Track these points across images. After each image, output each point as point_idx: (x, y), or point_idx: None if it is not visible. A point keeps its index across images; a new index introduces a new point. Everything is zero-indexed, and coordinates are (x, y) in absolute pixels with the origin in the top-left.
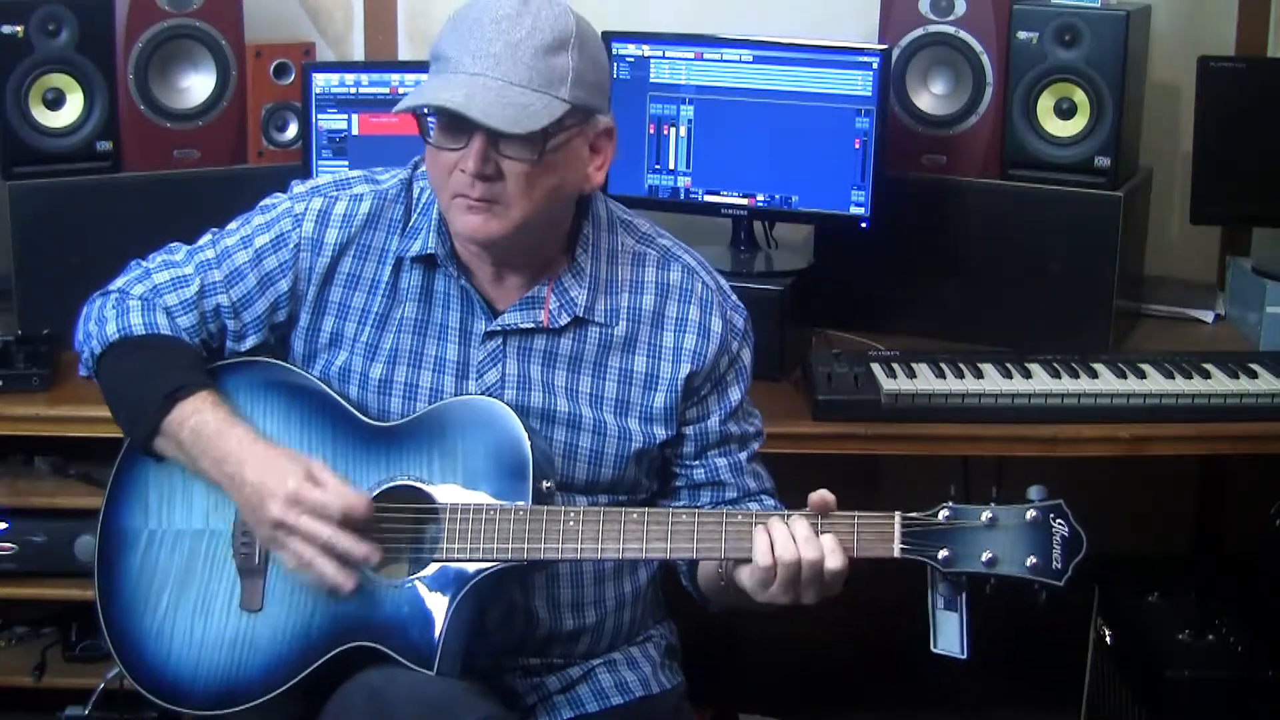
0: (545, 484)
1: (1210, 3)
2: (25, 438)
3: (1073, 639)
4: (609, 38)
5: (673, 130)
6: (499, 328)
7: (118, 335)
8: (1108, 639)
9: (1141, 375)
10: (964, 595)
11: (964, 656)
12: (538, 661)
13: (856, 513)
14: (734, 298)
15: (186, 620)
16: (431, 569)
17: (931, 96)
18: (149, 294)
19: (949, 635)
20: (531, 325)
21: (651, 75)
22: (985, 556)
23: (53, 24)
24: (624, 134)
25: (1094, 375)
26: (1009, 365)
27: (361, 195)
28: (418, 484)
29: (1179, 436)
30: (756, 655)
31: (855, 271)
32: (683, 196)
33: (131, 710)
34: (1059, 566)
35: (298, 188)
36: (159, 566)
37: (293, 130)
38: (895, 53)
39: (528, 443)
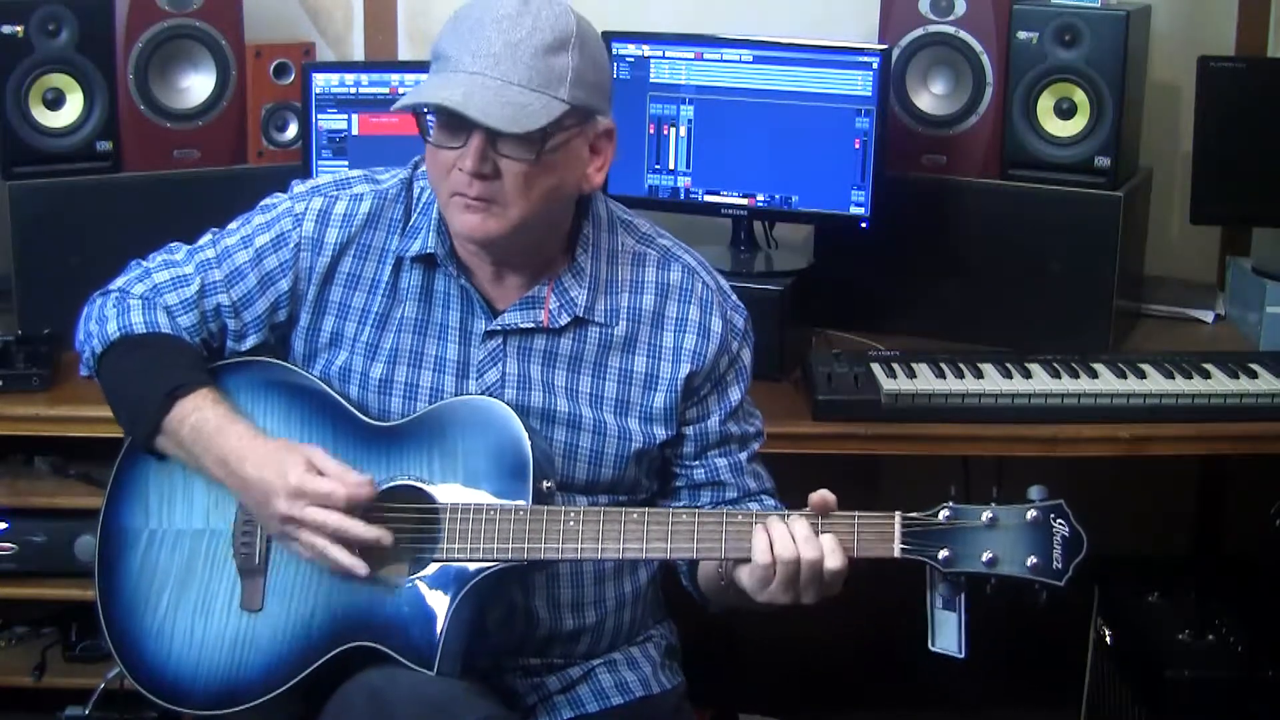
0: (545, 484)
1: (1210, 3)
2: (25, 438)
3: (1073, 639)
4: (609, 38)
5: (673, 130)
6: (499, 327)
7: (118, 334)
8: (1108, 639)
9: (1141, 375)
10: (963, 595)
11: (961, 656)
12: (538, 661)
13: (856, 513)
14: (734, 298)
15: (187, 620)
16: (432, 569)
17: (931, 96)
18: (149, 293)
19: (947, 634)
20: (531, 325)
21: (651, 75)
22: (986, 556)
23: (53, 24)
24: (624, 134)
25: (1094, 375)
26: (1009, 365)
27: (362, 195)
28: (418, 484)
29: (1179, 436)
30: (756, 655)
31: (855, 271)
32: (683, 196)
33: (131, 710)
34: (1059, 567)
35: (298, 187)
36: (159, 566)
37: (293, 130)
38: (895, 53)
39: (528, 443)
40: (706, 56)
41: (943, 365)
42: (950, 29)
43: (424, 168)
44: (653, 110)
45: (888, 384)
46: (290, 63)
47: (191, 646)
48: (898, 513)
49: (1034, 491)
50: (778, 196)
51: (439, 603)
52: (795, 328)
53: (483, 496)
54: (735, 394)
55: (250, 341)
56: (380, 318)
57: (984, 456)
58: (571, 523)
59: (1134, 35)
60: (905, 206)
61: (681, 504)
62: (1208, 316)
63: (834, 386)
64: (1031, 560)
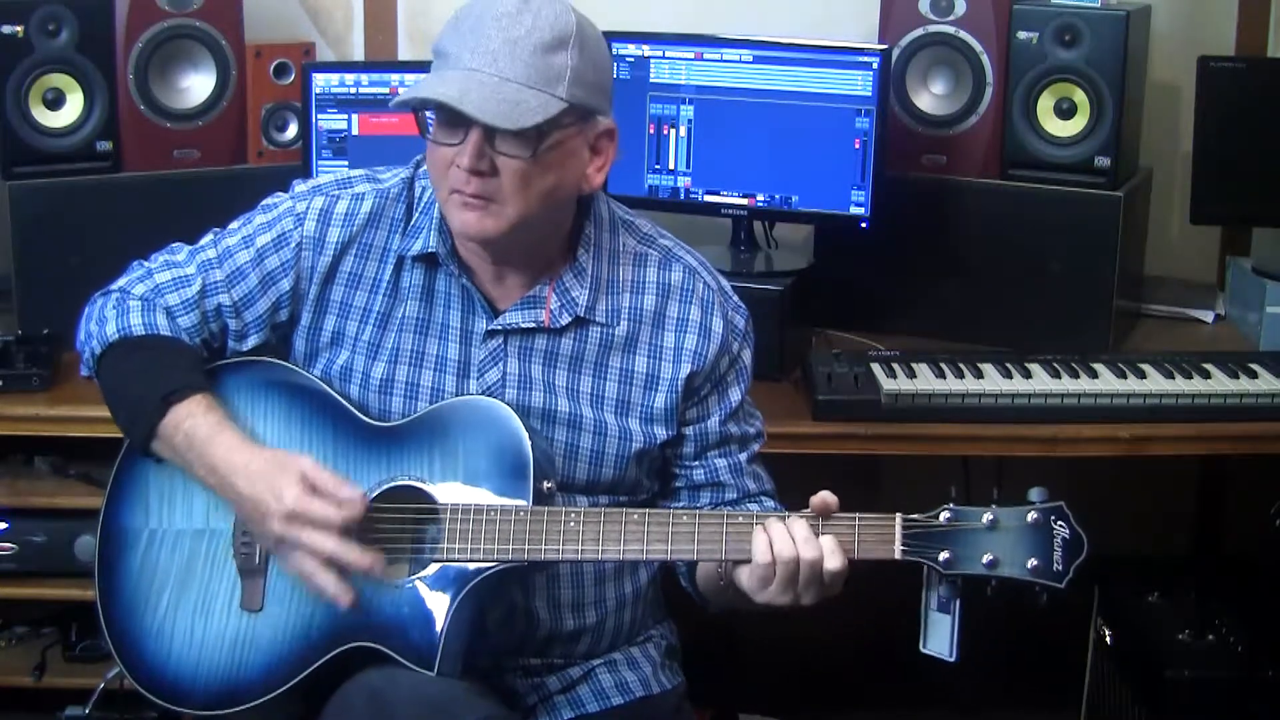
0: (546, 484)
1: (1210, 3)
2: (25, 438)
3: (1073, 639)
4: (609, 38)
5: (673, 130)
6: (500, 327)
7: (117, 336)
8: (1108, 639)
9: (1141, 375)
10: (959, 600)
11: (952, 660)
12: (538, 662)
13: (857, 514)
14: (735, 298)
15: (187, 620)
16: (432, 569)
17: (931, 96)
18: (150, 294)
19: (939, 637)
20: (532, 325)
21: (651, 75)
22: (986, 558)
23: (53, 24)
24: (624, 134)
25: (1094, 375)
26: (1009, 365)
27: (363, 194)
28: (418, 484)
29: (1179, 436)
30: (756, 655)
31: (855, 271)
32: (683, 196)
33: (131, 710)
34: (1060, 568)
35: (299, 187)
36: (159, 566)
37: (293, 130)
38: (895, 53)
39: (528, 443)
40: (706, 56)
41: (943, 365)
42: (950, 29)
43: (425, 167)
44: (653, 110)
45: (888, 384)
46: (290, 63)
47: (191, 646)
48: (898, 514)
49: (1034, 493)
50: (778, 196)
51: (439, 603)
52: (795, 328)
53: (483, 497)
54: (735, 395)
55: (251, 341)
56: (382, 317)
57: (984, 456)
58: (572, 523)
59: (1134, 35)
60: (905, 206)
61: (681, 505)
62: (1208, 316)
63: (834, 386)
64: (1032, 562)
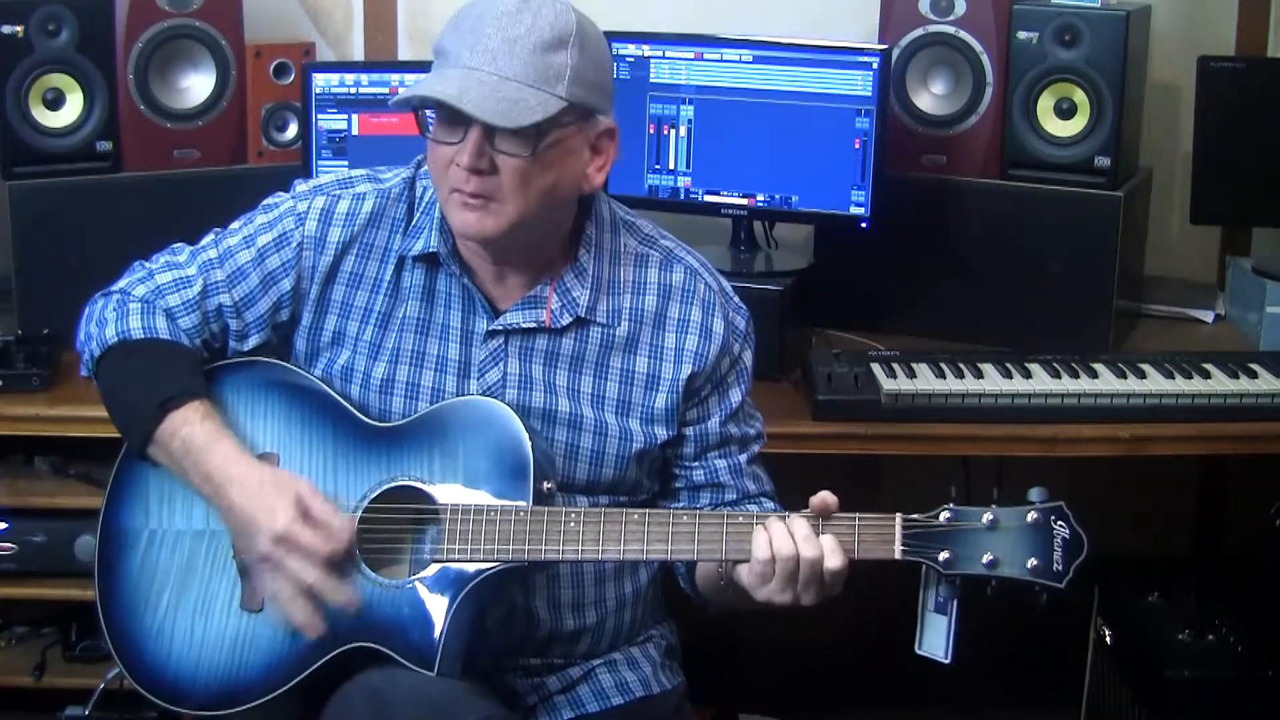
0: (546, 484)
1: (1210, 3)
2: (25, 438)
3: (1073, 639)
4: (609, 38)
5: (673, 130)
6: (500, 327)
7: (116, 339)
8: (1108, 639)
9: (1141, 375)
10: (956, 601)
11: (947, 661)
12: (538, 662)
13: (857, 514)
14: (736, 299)
15: (187, 620)
16: (432, 570)
17: (931, 96)
18: (151, 295)
19: (935, 638)
20: (533, 325)
21: (651, 75)
22: (986, 558)
23: (53, 24)
24: (624, 134)
25: (1094, 375)
26: (1009, 365)
27: (364, 194)
28: (418, 484)
29: (1179, 436)
30: (756, 655)
31: (855, 271)
32: (683, 196)
33: (131, 710)
34: (1060, 569)
35: (300, 186)
36: (159, 566)
37: (293, 130)
38: (895, 53)
39: (528, 443)
40: (706, 56)
41: (943, 365)
42: (950, 29)
43: (426, 166)
44: (653, 110)
45: (888, 384)
46: (290, 63)
47: (191, 647)
48: (898, 514)
49: (1034, 493)
50: (778, 196)
51: (439, 604)
52: (795, 328)
53: (483, 497)
54: (736, 395)
55: (252, 341)
56: (382, 317)
57: (984, 456)
58: (572, 524)
59: (1134, 35)
60: (905, 206)
61: (681, 505)
62: (1208, 316)
63: (834, 386)
64: (1032, 562)
